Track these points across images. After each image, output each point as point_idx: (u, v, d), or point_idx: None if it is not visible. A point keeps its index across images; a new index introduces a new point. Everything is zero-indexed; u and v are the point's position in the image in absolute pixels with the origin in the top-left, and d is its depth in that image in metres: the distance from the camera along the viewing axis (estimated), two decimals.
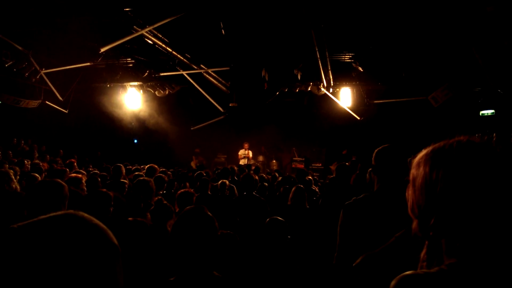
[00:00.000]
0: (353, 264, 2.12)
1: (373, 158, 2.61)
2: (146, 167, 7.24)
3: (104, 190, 3.76)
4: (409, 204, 1.15)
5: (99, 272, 0.84)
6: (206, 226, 1.99)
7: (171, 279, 1.96)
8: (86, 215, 0.91)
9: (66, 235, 0.83)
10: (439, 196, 1.03)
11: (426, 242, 1.15)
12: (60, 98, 14.00)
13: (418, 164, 1.13)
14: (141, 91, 14.37)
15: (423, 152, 1.14)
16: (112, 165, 7.27)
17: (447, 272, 0.99)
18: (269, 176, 8.92)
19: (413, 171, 1.15)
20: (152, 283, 2.01)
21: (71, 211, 0.90)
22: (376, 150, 2.59)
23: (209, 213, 2.07)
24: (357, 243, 2.47)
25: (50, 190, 2.43)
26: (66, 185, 2.53)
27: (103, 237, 0.89)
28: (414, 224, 1.13)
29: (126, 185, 5.95)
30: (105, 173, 7.85)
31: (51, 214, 0.86)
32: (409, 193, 1.15)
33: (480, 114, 12.18)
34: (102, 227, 0.92)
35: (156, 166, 7.25)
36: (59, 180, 2.57)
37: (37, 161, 10.17)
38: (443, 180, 1.03)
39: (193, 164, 15.46)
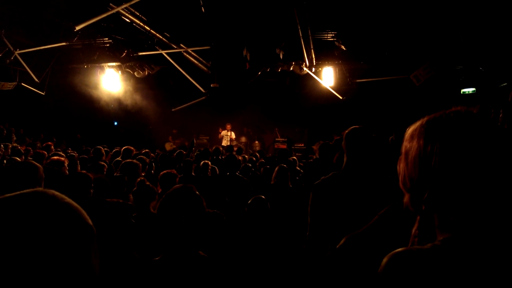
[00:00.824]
0: (337, 246, 2.10)
1: (343, 139, 2.67)
2: (122, 149, 7.13)
3: (84, 172, 3.64)
4: (401, 177, 1.10)
5: (70, 253, 0.76)
6: (194, 205, 1.94)
7: (156, 258, 1.91)
8: (57, 193, 0.83)
9: (33, 213, 0.75)
10: (433, 169, 0.97)
11: (418, 217, 1.10)
12: (36, 80, 13.58)
13: (412, 137, 1.07)
14: (120, 72, 14.04)
15: (417, 123, 1.08)
16: (92, 147, 7.15)
17: (441, 247, 0.94)
18: (253, 158, 8.88)
19: (405, 143, 1.09)
20: (135, 263, 1.95)
21: (40, 188, 0.82)
22: (346, 131, 2.66)
23: (197, 192, 2.02)
24: (327, 222, 2.50)
25: (23, 172, 2.31)
26: (40, 166, 2.41)
27: (76, 216, 0.82)
28: (406, 198, 1.08)
29: (105, 168, 5.82)
30: (85, 156, 7.72)
31: (19, 192, 0.78)
32: (401, 166, 1.10)
33: (461, 92, 12.29)
34: (75, 206, 0.84)
35: (132, 148, 7.14)
36: (34, 162, 2.45)
37: (15, 144, 9.90)
38: (438, 152, 0.97)
39: (167, 146, 15.14)
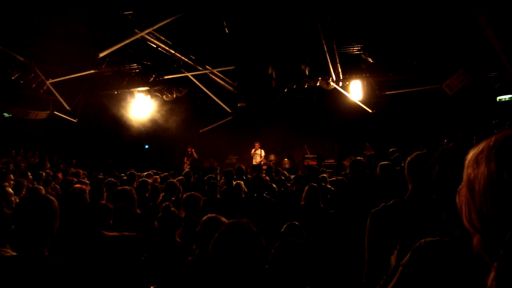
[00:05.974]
0: None
1: (406, 164, 2.41)
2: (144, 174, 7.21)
3: (103, 202, 3.56)
4: (464, 213, 0.88)
5: None
6: (254, 244, 1.70)
7: None
8: None
9: None
10: None
11: (495, 265, 0.84)
12: (68, 108, 13.97)
13: (477, 161, 0.85)
14: (149, 96, 14.25)
15: (482, 145, 0.86)
16: (122, 172, 7.23)
17: None
18: (282, 177, 8.68)
19: (468, 170, 0.87)
20: None
21: None
22: (411, 157, 2.41)
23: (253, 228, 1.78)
24: (387, 257, 2.20)
25: (36, 207, 2.24)
26: (54, 199, 2.34)
27: None
28: (475, 240, 0.86)
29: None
30: (117, 181, 7.80)
31: None
32: (463, 199, 0.89)
33: (497, 99, 11.76)
34: None
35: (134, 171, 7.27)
36: (47, 195, 2.39)
37: (48, 171, 10.11)
38: None
39: (186, 167, 14.49)
